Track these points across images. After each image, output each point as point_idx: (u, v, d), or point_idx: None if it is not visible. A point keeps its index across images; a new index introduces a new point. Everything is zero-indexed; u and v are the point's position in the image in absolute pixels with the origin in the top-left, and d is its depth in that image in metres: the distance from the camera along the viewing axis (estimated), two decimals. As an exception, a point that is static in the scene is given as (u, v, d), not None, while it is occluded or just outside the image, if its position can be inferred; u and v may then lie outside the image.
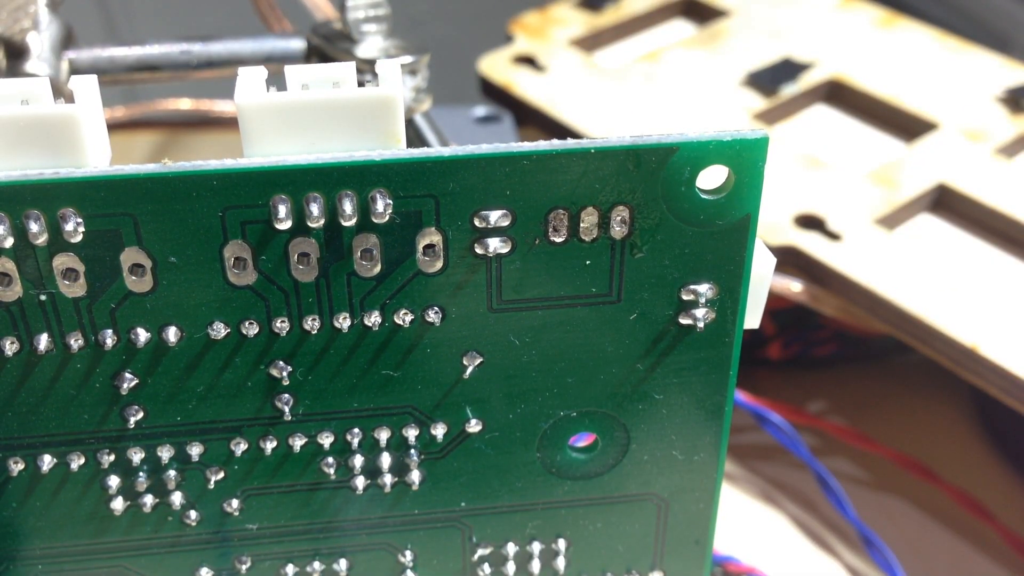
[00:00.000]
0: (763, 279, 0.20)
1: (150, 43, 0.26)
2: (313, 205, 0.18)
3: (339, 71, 0.18)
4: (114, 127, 0.35)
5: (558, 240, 0.19)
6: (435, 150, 0.18)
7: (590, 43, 0.44)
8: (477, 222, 0.18)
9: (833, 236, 0.33)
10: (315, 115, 0.18)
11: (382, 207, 0.18)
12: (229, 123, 0.36)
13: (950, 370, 0.31)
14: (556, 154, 0.18)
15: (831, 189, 0.35)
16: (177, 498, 0.21)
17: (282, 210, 0.18)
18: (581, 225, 0.19)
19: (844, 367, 0.38)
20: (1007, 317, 0.30)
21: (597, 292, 0.19)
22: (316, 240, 0.18)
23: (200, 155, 0.37)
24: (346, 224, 0.18)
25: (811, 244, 0.33)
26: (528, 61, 0.42)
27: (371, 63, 0.26)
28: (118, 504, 0.21)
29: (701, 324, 0.20)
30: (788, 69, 0.41)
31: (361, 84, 0.26)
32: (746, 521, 0.33)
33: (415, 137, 0.28)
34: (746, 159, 0.18)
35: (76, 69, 0.26)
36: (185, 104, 0.36)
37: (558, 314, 0.20)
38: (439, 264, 0.19)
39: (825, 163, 0.36)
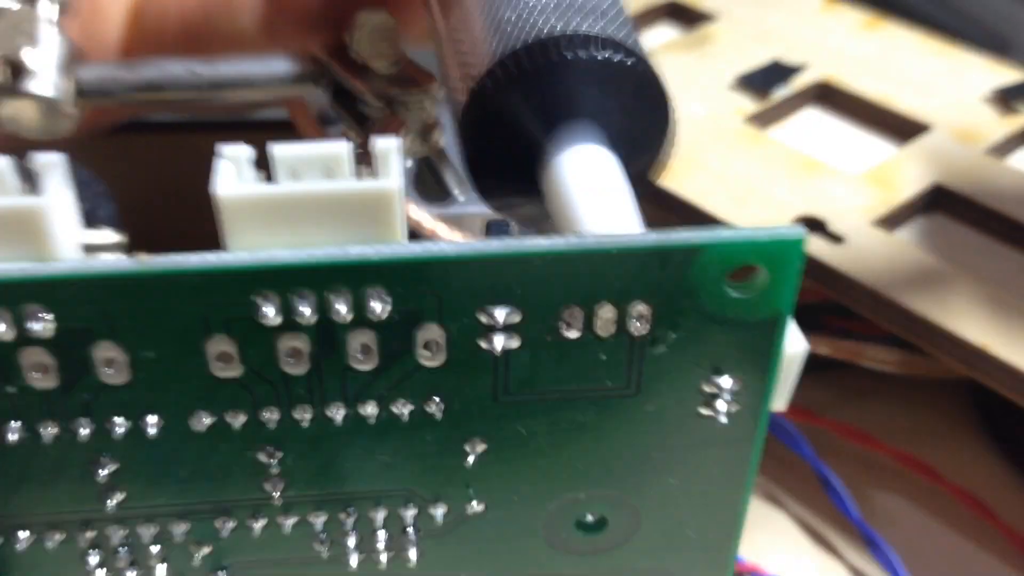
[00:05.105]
0: (794, 363, 0.19)
1: (157, 62, 0.24)
2: (303, 304, 0.16)
3: (332, 153, 0.16)
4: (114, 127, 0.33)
5: (571, 336, 0.17)
6: (438, 247, 0.16)
7: (575, 47, 0.43)
8: (483, 319, 0.17)
9: (836, 238, 0.32)
10: (305, 208, 0.16)
11: (379, 308, 0.16)
12: (230, 124, 0.35)
13: (959, 371, 0.30)
14: (572, 254, 0.16)
15: (830, 191, 0.34)
16: (161, 572, 0.20)
17: (270, 310, 0.16)
18: (597, 321, 0.17)
19: (846, 367, 0.37)
20: (1015, 316, 0.30)
21: (612, 385, 0.18)
22: (307, 335, 0.17)
23: (200, 156, 0.35)
24: (340, 322, 0.16)
25: (814, 247, 0.32)
26: None
27: (381, 93, 0.24)
28: (99, 578, 0.20)
29: (724, 418, 0.18)
30: (779, 72, 0.40)
31: (366, 117, 0.24)
32: (749, 520, 0.32)
33: (428, 171, 0.26)
34: (781, 259, 0.16)
35: (81, 89, 0.24)
36: (185, 105, 0.34)
37: (569, 405, 0.18)
38: (441, 359, 0.17)
39: (821, 165, 0.36)
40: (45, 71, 0.23)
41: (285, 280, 0.16)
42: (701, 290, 0.17)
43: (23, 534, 0.19)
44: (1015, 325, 0.29)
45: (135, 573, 0.20)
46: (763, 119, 0.38)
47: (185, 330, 0.16)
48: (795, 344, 0.18)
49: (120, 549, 0.20)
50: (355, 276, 0.16)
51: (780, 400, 0.19)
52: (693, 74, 0.40)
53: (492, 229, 0.17)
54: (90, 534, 0.19)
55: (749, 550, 0.31)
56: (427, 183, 0.26)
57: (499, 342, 0.17)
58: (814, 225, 0.33)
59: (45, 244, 0.16)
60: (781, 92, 0.39)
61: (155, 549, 0.20)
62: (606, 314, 0.17)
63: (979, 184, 0.34)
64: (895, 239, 0.32)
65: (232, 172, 0.16)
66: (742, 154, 0.36)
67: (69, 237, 0.16)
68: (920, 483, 0.33)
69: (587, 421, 0.18)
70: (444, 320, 0.17)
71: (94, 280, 0.16)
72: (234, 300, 0.16)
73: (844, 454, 0.34)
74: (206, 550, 0.20)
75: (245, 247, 0.16)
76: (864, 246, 0.32)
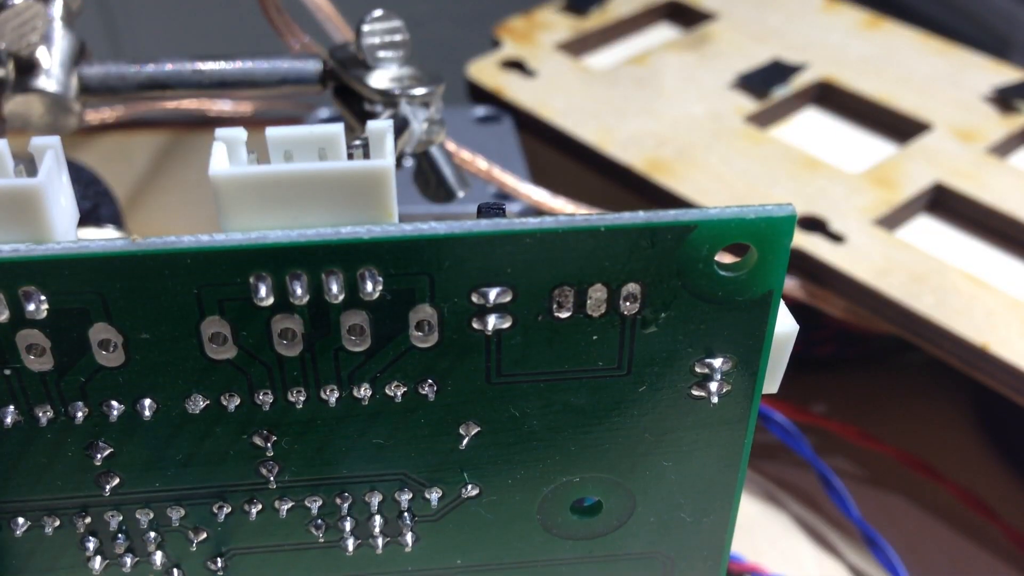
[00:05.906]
0: (784, 345, 0.19)
1: (162, 60, 0.24)
2: (296, 284, 0.16)
3: (326, 135, 0.16)
4: (114, 127, 0.34)
5: (563, 316, 0.17)
6: (429, 227, 0.16)
7: (577, 47, 0.43)
8: (475, 299, 0.17)
9: (836, 238, 0.32)
10: (298, 189, 0.16)
11: (371, 287, 0.16)
12: (230, 123, 0.35)
13: (959, 370, 0.30)
14: (562, 232, 0.16)
15: (830, 190, 0.34)
16: (158, 558, 0.20)
17: (262, 289, 0.16)
18: (588, 301, 0.17)
19: (846, 366, 0.37)
20: (1015, 315, 0.30)
21: (604, 366, 0.18)
22: (300, 316, 0.17)
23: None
24: (333, 302, 0.17)
25: (815, 246, 0.32)
26: (516, 66, 0.41)
27: (383, 93, 0.24)
28: (96, 564, 0.20)
29: (715, 398, 0.18)
30: (779, 71, 0.40)
31: (371, 115, 0.24)
32: (749, 519, 0.33)
33: (430, 169, 0.26)
34: (770, 236, 0.17)
35: (86, 86, 0.24)
36: (185, 104, 0.34)
37: (562, 386, 0.18)
38: (434, 339, 0.17)
39: (821, 164, 0.36)
40: (52, 67, 0.24)
41: (278, 260, 0.16)
42: (691, 269, 0.17)
43: (21, 520, 0.19)
44: (1015, 325, 0.29)
45: (132, 559, 0.20)
46: (763, 119, 0.38)
47: (179, 311, 0.17)
48: (785, 328, 0.18)
49: (118, 536, 0.20)
50: (347, 256, 0.16)
51: (772, 382, 0.19)
52: (693, 74, 0.40)
53: (484, 211, 0.17)
54: (87, 520, 0.19)
55: (749, 550, 0.31)
56: (428, 181, 0.26)
57: (491, 322, 0.17)
58: (814, 225, 0.33)
59: (40, 225, 0.16)
60: (781, 92, 0.39)
61: (152, 535, 0.20)
62: (597, 294, 0.17)
63: (979, 184, 0.34)
64: (895, 239, 0.32)
65: (227, 154, 0.16)
66: (742, 154, 0.36)
67: (64, 218, 0.16)
68: (920, 481, 0.33)
69: (580, 403, 0.19)
70: (436, 300, 0.17)
71: (88, 260, 0.16)
72: (228, 280, 0.16)
73: (844, 454, 0.34)
74: (203, 536, 0.20)
75: (240, 228, 0.16)
76: (864, 246, 0.32)
